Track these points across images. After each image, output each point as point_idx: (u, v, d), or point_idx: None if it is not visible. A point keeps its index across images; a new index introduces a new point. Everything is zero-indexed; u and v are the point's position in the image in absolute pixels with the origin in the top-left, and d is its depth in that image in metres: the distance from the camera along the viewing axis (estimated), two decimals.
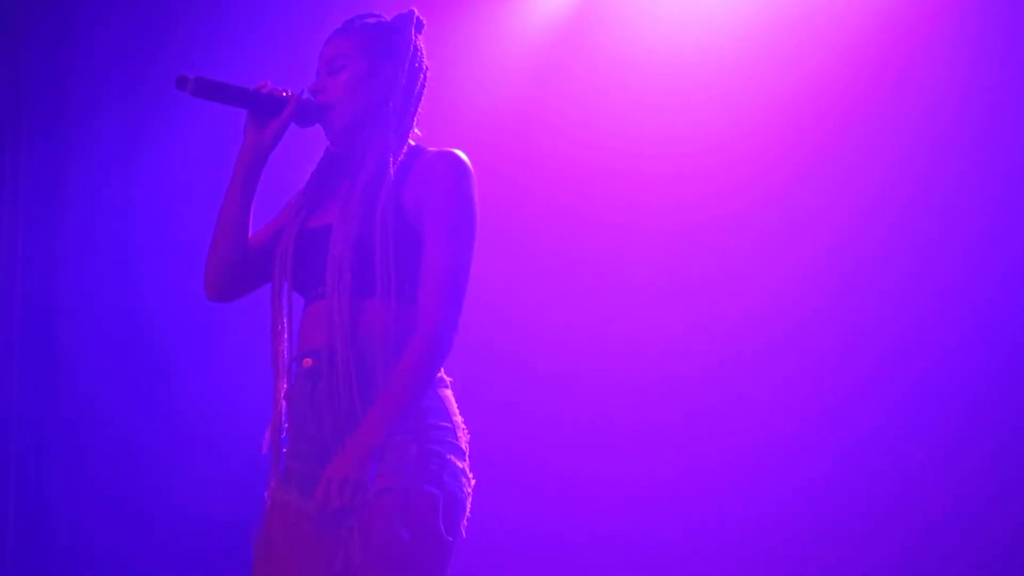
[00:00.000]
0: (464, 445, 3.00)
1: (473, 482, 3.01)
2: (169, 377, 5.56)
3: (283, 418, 3.05)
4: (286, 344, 3.08)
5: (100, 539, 5.50)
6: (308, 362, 3.00)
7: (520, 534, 5.44)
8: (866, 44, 5.33)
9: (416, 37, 3.13)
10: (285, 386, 3.06)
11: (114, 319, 5.60)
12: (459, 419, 3.02)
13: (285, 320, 3.08)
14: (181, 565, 5.45)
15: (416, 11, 3.14)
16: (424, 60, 3.14)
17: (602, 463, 5.49)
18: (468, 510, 3.00)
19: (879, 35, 5.32)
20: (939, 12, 5.25)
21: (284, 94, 3.04)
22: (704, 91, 5.53)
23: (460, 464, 2.98)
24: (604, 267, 5.60)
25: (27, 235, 5.53)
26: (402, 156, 3.05)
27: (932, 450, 5.12)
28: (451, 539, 2.94)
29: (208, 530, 5.36)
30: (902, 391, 5.18)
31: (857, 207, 5.32)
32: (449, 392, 3.02)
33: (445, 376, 3.02)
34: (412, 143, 3.12)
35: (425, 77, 3.14)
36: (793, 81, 5.43)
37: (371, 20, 3.12)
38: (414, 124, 3.12)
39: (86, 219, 5.61)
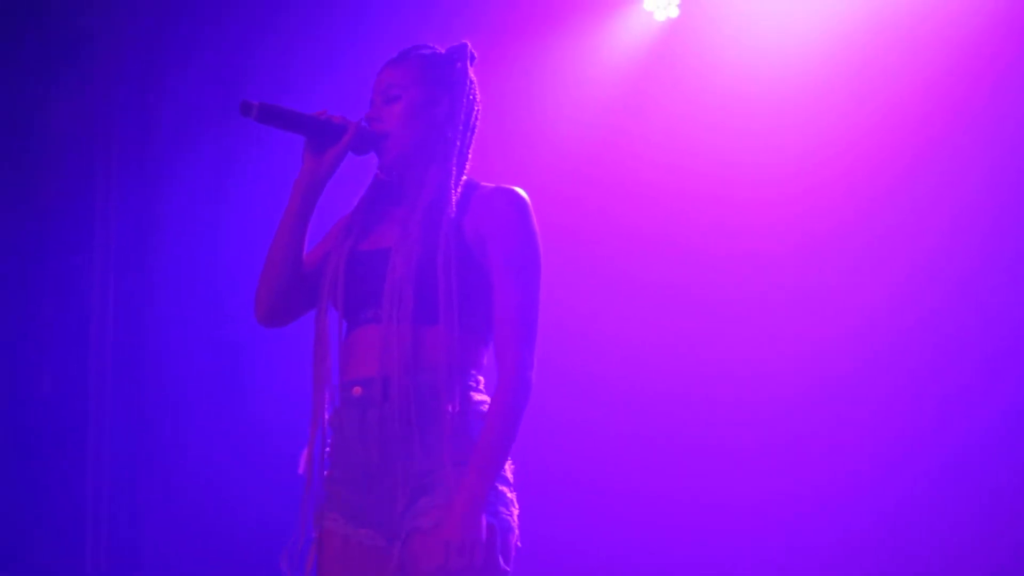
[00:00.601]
0: (510, 474, 3.01)
1: (517, 510, 3.01)
2: (255, 400, 5.62)
3: (324, 443, 3.05)
4: (331, 369, 3.07)
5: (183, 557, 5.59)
6: (358, 391, 3.00)
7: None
8: (962, 54, 5.30)
9: (470, 70, 3.14)
10: (326, 410, 3.05)
11: (203, 345, 5.68)
12: None
13: (331, 344, 3.07)
14: None
15: (469, 44, 3.15)
16: (478, 93, 3.15)
17: (710, 486, 5.54)
18: (518, 538, 3.01)
19: (979, 43, 5.29)
20: None
21: (342, 122, 3.06)
22: (792, 115, 5.52)
23: (509, 494, 3.00)
24: (699, 292, 5.62)
25: (118, 261, 5.61)
26: (460, 187, 3.07)
27: None
28: (508, 568, 2.96)
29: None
30: (1006, 403, 5.15)
31: (951, 221, 5.30)
32: None
33: None
34: (465, 176, 3.12)
35: (479, 110, 3.15)
36: (883, 99, 5.43)
37: (426, 51, 3.13)
38: (470, 156, 3.13)
39: (177, 243, 5.69)
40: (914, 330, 5.36)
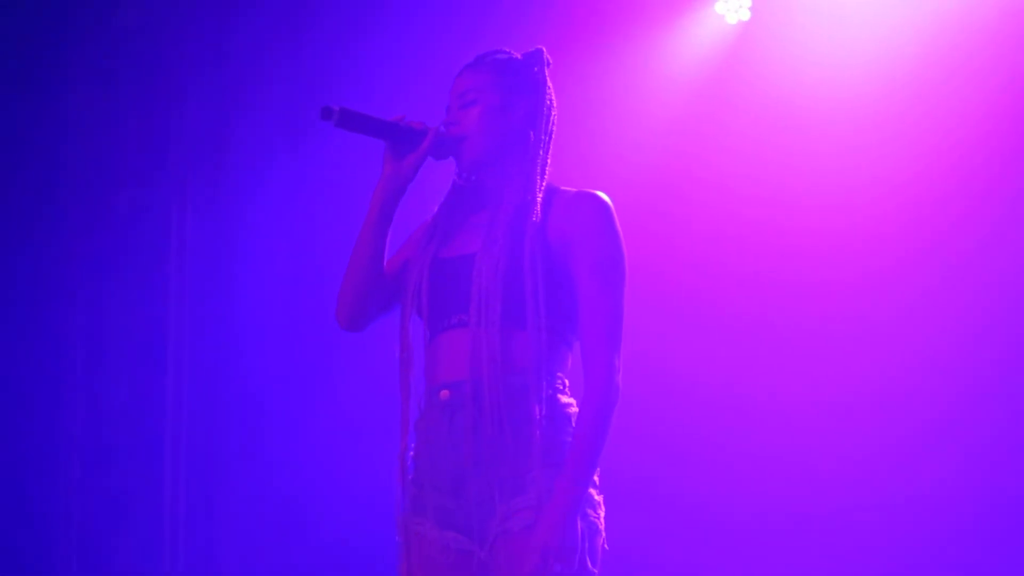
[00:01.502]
0: (596, 477, 3.00)
1: (604, 512, 3.02)
2: (330, 407, 5.65)
3: (409, 448, 3.07)
4: (416, 374, 3.09)
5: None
6: (445, 394, 3.01)
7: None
8: None
9: (547, 75, 3.15)
10: (412, 415, 3.07)
11: (278, 352, 5.71)
12: None
13: (416, 350, 3.09)
14: None
15: (544, 49, 3.17)
16: (554, 98, 3.16)
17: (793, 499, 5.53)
18: (605, 540, 3.01)
19: None
20: None
21: (421, 127, 3.08)
22: (868, 120, 5.49)
23: (597, 496, 3.00)
24: (766, 318, 5.61)
25: (194, 270, 5.66)
26: (542, 192, 3.08)
27: None
28: (595, 570, 2.96)
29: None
30: None
31: None
32: None
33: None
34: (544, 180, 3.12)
35: (556, 115, 3.16)
36: (969, 107, 5.39)
37: (502, 56, 3.15)
38: (549, 161, 3.13)
39: (253, 251, 5.73)
40: (997, 365, 5.32)
